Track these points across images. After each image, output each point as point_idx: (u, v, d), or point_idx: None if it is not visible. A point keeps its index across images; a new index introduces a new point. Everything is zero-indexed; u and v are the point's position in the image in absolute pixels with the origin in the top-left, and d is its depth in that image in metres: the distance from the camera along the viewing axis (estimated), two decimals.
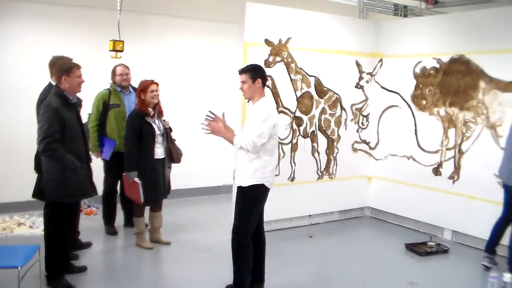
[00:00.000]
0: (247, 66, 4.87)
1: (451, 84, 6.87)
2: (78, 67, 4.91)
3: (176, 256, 6.11)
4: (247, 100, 4.86)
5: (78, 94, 5.08)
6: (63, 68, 4.84)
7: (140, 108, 5.97)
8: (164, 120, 6.20)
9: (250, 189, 4.68)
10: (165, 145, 6.10)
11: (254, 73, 4.70)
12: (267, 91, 6.59)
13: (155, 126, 5.99)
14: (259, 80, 4.69)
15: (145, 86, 5.97)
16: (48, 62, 5.50)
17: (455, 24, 6.94)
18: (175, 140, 6.34)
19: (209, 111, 4.74)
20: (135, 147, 5.88)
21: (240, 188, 4.75)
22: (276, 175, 6.86)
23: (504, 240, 5.78)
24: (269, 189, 4.78)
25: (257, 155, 4.61)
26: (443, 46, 7.00)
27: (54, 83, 5.14)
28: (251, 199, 4.73)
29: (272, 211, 6.96)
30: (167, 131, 6.18)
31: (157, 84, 6.05)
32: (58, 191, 4.73)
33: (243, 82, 4.70)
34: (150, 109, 6.00)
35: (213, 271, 5.66)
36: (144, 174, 5.90)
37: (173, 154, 6.22)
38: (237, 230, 4.75)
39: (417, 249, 6.47)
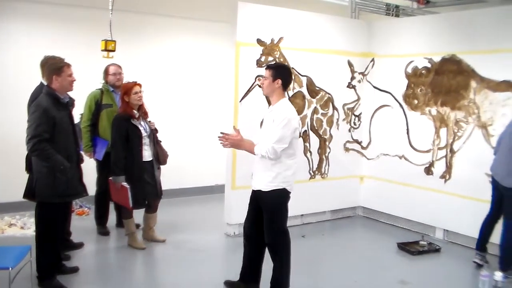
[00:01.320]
0: (273, 63, 4.90)
1: (443, 84, 6.89)
2: (68, 66, 4.89)
3: (169, 256, 6.10)
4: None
5: (70, 94, 5.07)
6: (53, 67, 4.82)
7: (125, 111, 5.91)
8: (149, 122, 6.16)
9: (272, 193, 4.66)
10: (153, 147, 6.07)
11: (276, 72, 4.69)
12: (259, 91, 6.65)
13: (141, 128, 5.94)
14: (279, 81, 4.66)
15: (129, 88, 5.91)
16: (40, 62, 5.47)
17: (447, 24, 6.97)
18: (160, 141, 6.30)
19: (221, 132, 4.72)
20: (122, 151, 5.82)
21: (261, 192, 4.71)
22: None
23: (496, 239, 5.81)
24: (290, 191, 4.76)
25: (279, 159, 4.60)
26: (435, 46, 7.03)
27: (45, 83, 5.12)
28: (275, 203, 4.72)
29: None
30: (153, 133, 6.14)
31: (140, 85, 6.00)
32: (48, 191, 4.71)
33: (265, 78, 4.72)
34: (135, 111, 5.96)
35: (206, 270, 5.66)
36: (132, 177, 5.85)
37: (159, 156, 6.17)
38: (272, 232, 4.74)
39: (409, 248, 6.50)
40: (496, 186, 5.75)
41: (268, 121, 4.70)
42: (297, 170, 4.79)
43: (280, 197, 4.71)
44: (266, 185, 4.66)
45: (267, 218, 4.74)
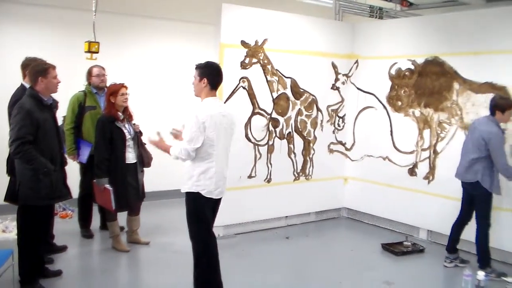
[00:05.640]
0: (201, 63, 4.67)
1: (426, 86, 6.94)
2: (53, 67, 4.85)
3: (154, 258, 6.06)
4: None
5: (54, 96, 5.03)
6: (38, 69, 4.78)
7: (110, 113, 5.88)
8: (134, 124, 6.14)
9: (187, 196, 4.58)
10: (137, 150, 6.05)
11: (202, 71, 4.59)
12: (243, 92, 6.66)
13: (125, 131, 5.92)
14: (205, 80, 4.54)
15: (115, 89, 5.89)
16: (21, 63, 5.42)
17: (430, 26, 7.02)
18: (145, 144, 6.27)
19: (173, 128, 4.74)
20: (105, 153, 5.80)
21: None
22: (252, 177, 6.92)
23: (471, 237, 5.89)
24: (210, 198, 4.55)
25: (193, 161, 4.48)
26: (418, 48, 7.08)
27: (26, 85, 5.08)
28: (190, 206, 4.59)
29: (249, 212, 7.02)
30: (137, 135, 6.13)
31: (126, 87, 5.98)
32: (31, 194, 4.66)
33: (194, 77, 4.63)
34: (120, 113, 5.94)
35: (190, 273, 5.62)
36: (116, 180, 5.82)
37: (144, 158, 6.16)
38: (190, 236, 4.65)
39: (393, 249, 6.53)
40: (465, 188, 5.89)
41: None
42: (219, 177, 4.58)
43: (195, 201, 4.54)
44: (182, 186, 4.58)
45: (187, 223, 4.64)
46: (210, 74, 4.59)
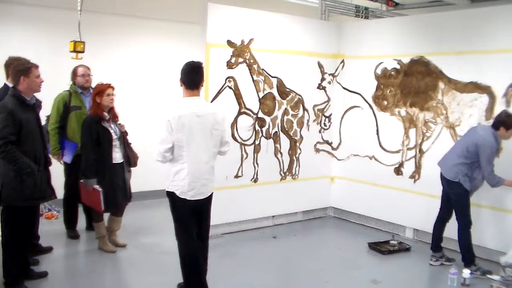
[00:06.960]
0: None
1: (412, 85, 6.98)
2: (36, 67, 4.81)
3: (139, 259, 6.04)
4: None
5: (37, 95, 4.98)
6: (20, 68, 4.73)
7: (95, 113, 5.85)
8: (120, 124, 6.11)
9: (167, 194, 4.63)
10: (123, 149, 6.03)
11: (180, 72, 4.66)
12: (229, 92, 6.65)
13: (111, 131, 5.89)
14: (180, 81, 4.64)
15: (101, 89, 5.86)
16: (4, 63, 5.37)
17: (415, 26, 7.05)
18: (131, 143, 6.26)
19: None
20: (93, 154, 5.76)
21: None
22: (238, 177, 6.92)
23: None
24: (186, 199, 4.52)
25: (170, 161, 4.53)
26: (404, 48, 7.11)
27: (9, 84, 5.03)
28: (170, 205, 4.67)
29: (236, 212, 7.00)
30: (123, 135, 6.10)
31: (113, 88, 5.95)
32: (15, 194, 4.62)
33: None
34: (106, 114, 5.91)
35: (176, 274, 5.61)
36: (104, 180, 5.79)
37: (130, 158, 6.13)
38: (175, 236, 4.69)
39: (380, 248, 6.56)
40: (444, 186, 5.95)
41: None
42: (194, 179, 4.52)
43: (172, 201, 4.62)
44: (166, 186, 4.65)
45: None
46: (183, 74, 4.63)
